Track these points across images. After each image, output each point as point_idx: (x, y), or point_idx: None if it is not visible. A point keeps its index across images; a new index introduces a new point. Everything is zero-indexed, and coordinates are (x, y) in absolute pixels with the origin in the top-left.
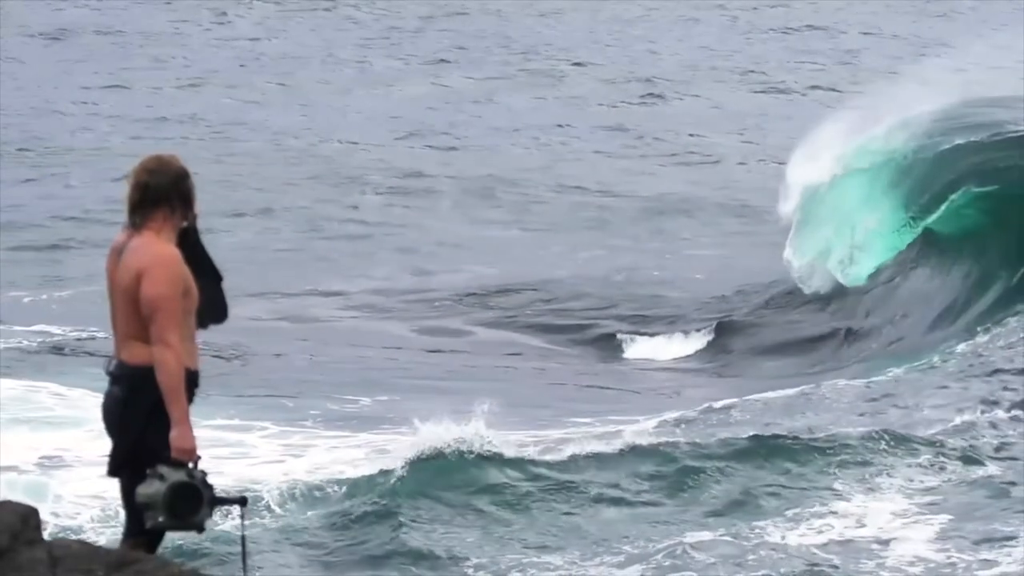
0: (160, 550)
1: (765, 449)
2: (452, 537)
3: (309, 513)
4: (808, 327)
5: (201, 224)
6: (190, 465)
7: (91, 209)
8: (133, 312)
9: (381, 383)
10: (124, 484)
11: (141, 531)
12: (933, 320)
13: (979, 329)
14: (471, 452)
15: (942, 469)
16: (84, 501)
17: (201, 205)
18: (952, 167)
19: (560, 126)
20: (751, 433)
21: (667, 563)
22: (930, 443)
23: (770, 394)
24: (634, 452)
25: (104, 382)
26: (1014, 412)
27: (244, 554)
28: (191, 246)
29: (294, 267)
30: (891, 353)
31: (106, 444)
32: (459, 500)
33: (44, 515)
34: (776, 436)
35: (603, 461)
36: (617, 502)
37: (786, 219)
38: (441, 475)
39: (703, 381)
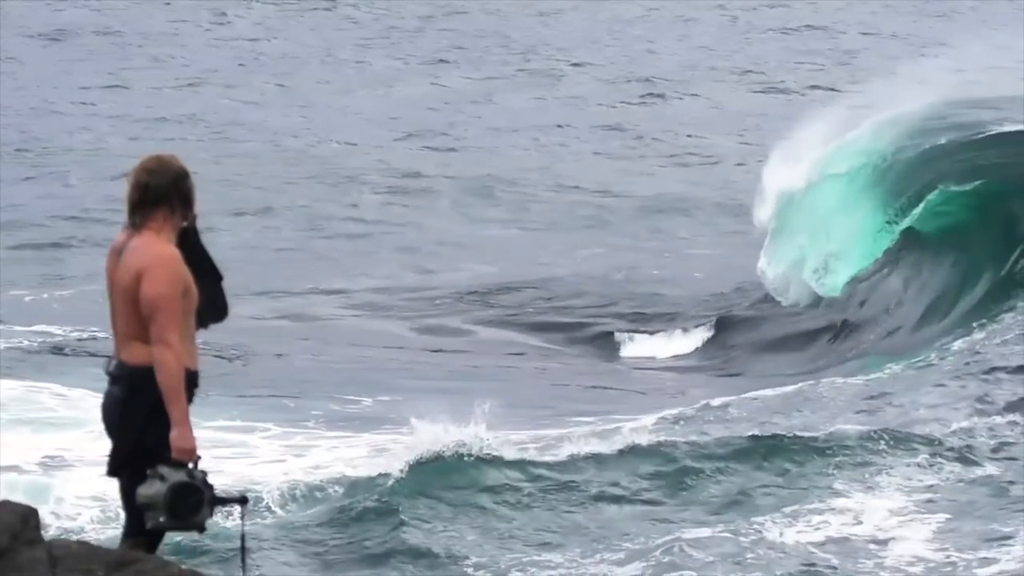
0: (159, 548)
1: (763, 447)
2: (452, 536)
3: (309, 512)
4: (806, 325)
5: (201, 223)
6: (190, 465)
7: (91, 208)
8: (133, 312)
9: (382, 383)
10: (124, 484)
11: (141, 531)
12: (929, 317)
13: (975, 325)
14: (470, 451)
15: (940, 467)
16: (85, 502)
17: (201, 204)
18: (934, 167)
19: (560, 126)
20: (749, 431)
21: (666, 560)
22: (928, 441)
23: (768, 392)
24: (633, 450)
25: (104, 382)
26: (1012, 409)
27: (243, 553)
28: (191, 246)
29: (295, 266)
30: (888, 350)
31: (107, 445)
32: (459, 499)
33: (45, 516)
34: (774, 434)
35: (602, 459)
36: (616, 500)
37: (761, 227)
38: (441, 474)
39: (701, 379)
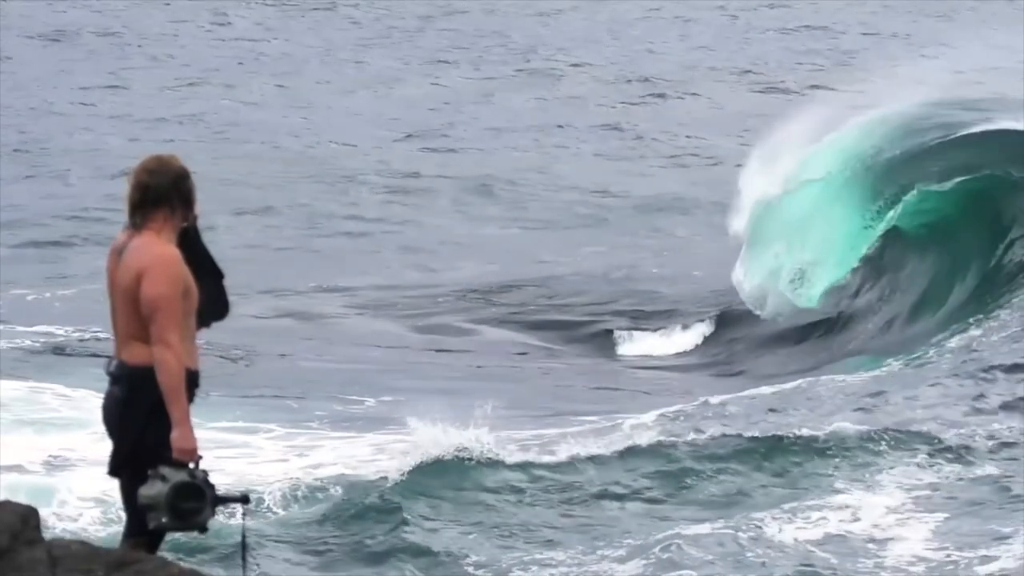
0: (160, 548)
1: (762, 445)
2: (453, 535)
3: (310, 511)
4: (805, 323)
5: (202, 223)
6: (191, 465)
7: (91, 207)
8: (133, 312)
9: (385, 383)
10: (124, 484)
11: (142, 531)
12: (922, 313)
13: (970, 321)
14: (471, 451)
15: (939, 465)
16: (88, 503)
17: (201, 204)
18: (919, 167)
19: (559, 126)
20: (748, 429)
21: (665, 557)
22: (927, 439)
23: (767, 389)
24: (632, 448)
25: (106, 382)
26: (1009, 406)
27: (244, 552)
28: (191, 246)
29: (296, 265)
30: (885, 347)
31: (110, 446)
32: (460, 497)
33: (48, 517)
34: (773, 432)
35: (601, 457)
36: (616, 497)
37: (737, 235)
38: (442, 473)
39: (701, 376)
